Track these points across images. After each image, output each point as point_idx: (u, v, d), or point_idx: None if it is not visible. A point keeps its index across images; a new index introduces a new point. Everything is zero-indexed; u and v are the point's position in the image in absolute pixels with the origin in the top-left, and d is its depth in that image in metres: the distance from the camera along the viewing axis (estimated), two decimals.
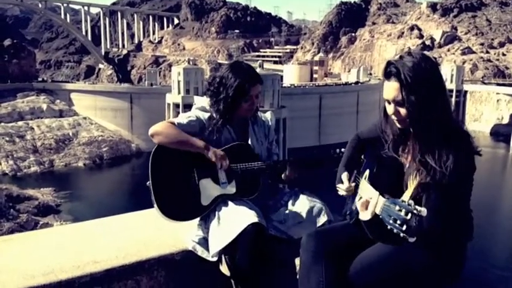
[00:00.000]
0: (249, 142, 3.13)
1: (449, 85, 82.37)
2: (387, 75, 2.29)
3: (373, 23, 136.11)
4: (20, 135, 79.91)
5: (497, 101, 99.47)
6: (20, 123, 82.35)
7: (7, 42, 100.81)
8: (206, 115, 3.07)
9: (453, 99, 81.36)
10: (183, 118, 3.02)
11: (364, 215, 2.15)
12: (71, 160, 79.62)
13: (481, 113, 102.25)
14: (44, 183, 67.43)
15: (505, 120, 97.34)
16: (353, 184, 2.56)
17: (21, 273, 2.64)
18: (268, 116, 3.32)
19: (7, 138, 77.72)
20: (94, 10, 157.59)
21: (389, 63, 2.30)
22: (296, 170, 3.05)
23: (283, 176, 3.06)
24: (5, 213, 50.03)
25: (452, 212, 2.17)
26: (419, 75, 2.19)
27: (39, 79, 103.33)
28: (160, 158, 2.95)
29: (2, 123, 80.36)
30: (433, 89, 2.22)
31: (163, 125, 2.94)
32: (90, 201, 59.61)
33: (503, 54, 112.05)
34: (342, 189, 2.58)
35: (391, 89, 2.27)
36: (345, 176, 2.58)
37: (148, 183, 2.91)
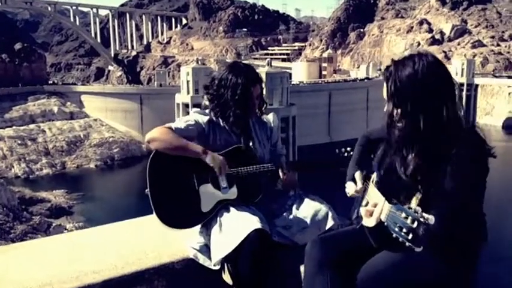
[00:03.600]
0: (251, 145, 3.02)
1: (460, 79, 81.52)
2: (384, 76, 2.23)
3: (382, 18, 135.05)
4: (32, 138, 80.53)
5: (509, 94, 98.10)
6: (32, 126, 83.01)
7: (18, 46, 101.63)
8: (205, 118, 2.97)
9: (464, 94, 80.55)
10: (181, 122, 2.91)
11: (369, 222, 2.02)
12: (83, 162, 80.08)
13: (493, 107, 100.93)
14: (57, 185, 67.83)
15: None
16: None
17: (17, 285, 2.55)
18: (270, 117, 3.21)
19: (19, 142, 78.37)
20: (103, 12, 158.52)
21: (388, 65, 2.22)
22: (294, 173, 2.90)
23: (278, 182, 2.92)
24: (19, 216, 50.23)
25: (463, 217, 2.05)
26: (412, 83, 2.10)
27: (50, 82, 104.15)
28: (158, 164, 2.85)
29: (14, 127, 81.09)
30: (433, 96, 2.09)
31: (160, 130, 2.83)
32: (102, 202, 59.90)
33: None
34: (353, 189, 2.44)
35: (385, 91, 2.24)
36: (358, 175, 2.44)
37: (146, 190, 2.83)
